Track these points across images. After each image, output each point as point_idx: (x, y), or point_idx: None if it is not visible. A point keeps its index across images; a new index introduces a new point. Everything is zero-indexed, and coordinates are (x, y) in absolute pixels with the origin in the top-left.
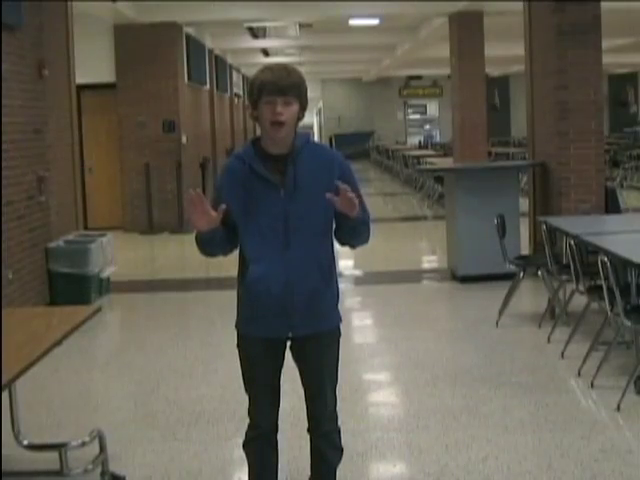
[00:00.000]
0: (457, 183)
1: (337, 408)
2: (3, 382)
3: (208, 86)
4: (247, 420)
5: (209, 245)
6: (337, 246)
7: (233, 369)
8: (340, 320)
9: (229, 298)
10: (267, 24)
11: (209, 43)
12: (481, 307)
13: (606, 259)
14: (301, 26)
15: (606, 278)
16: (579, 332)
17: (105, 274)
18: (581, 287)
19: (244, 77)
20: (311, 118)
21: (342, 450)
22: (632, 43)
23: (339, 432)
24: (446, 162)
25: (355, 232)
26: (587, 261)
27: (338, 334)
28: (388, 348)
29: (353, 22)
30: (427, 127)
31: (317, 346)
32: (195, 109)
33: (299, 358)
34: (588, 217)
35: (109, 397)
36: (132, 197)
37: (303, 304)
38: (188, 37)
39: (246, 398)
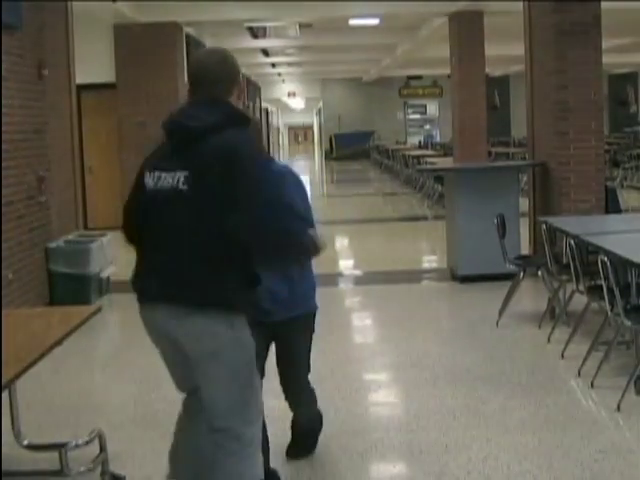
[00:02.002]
0: (457, 183)
1: (308, 376)
2: (3, 382)
3: None
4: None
5: None
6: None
7: None
8: (315, 307)
9: None
10: (267, 24)
11: (209, 43)
12: (481, 307)
13: (606, 259)
14: (301, 26)
15: (606, 278)
16: (579, 332)
17: (105, 274)
18: (581, 287)
19: (244, 77)
20: (311, 118)
21: (321, 416)
22: (632, 43)
23: (314, 395)
24: (446, 162)
25: None
26: (587, 261)
27: (312, 319)
28: (388, 348)
29: (353, 22)
30: (427, 127)
31: (292, 330)
32: None
33: (277, 340)
34: (588, 217)
35: (109, 397)
36: None
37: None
38: (188, 37)
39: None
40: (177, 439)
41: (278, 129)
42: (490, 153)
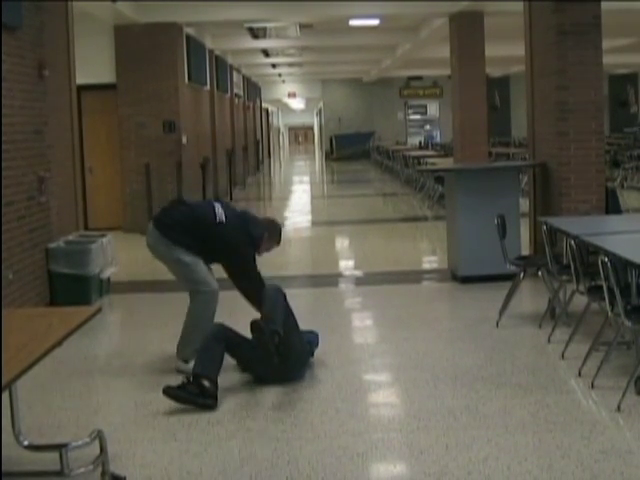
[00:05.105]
0: (457, 183)
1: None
2: (3, 382)
3: (208, 86)
4: (248, 421)
5: None
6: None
7: (232, 369)
8: None
9: (228, 298)
10: (267, 24)
11: (209, 43)
12: (481, 307)
13: (606, 259)
14: (301, 26)
15: (606, 278)
16: (579, 332)
17: (105, 274)
18: (581, 287)
19: (244, 77)
20: (311, 119)
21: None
22: (632, 43)
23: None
24: (446, 162)
25: None
26: (587, 261)
27: None
28: (388, 348)
29: (353, 22)
30: (427, 127)
31: None
32: (195, 109)
33: None
34: (588, 217)
35: (109, 398)
36: (132, 197)
37: None
38: (188, 37)
39: (248, 398)
40: None
41: (278, 129)
42: (490, 153)
